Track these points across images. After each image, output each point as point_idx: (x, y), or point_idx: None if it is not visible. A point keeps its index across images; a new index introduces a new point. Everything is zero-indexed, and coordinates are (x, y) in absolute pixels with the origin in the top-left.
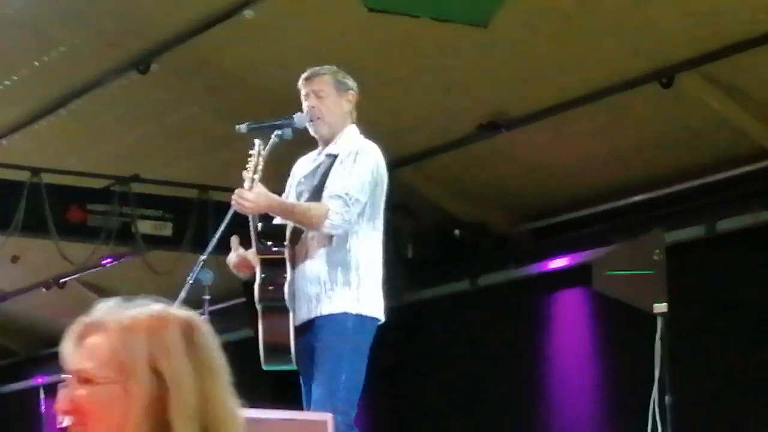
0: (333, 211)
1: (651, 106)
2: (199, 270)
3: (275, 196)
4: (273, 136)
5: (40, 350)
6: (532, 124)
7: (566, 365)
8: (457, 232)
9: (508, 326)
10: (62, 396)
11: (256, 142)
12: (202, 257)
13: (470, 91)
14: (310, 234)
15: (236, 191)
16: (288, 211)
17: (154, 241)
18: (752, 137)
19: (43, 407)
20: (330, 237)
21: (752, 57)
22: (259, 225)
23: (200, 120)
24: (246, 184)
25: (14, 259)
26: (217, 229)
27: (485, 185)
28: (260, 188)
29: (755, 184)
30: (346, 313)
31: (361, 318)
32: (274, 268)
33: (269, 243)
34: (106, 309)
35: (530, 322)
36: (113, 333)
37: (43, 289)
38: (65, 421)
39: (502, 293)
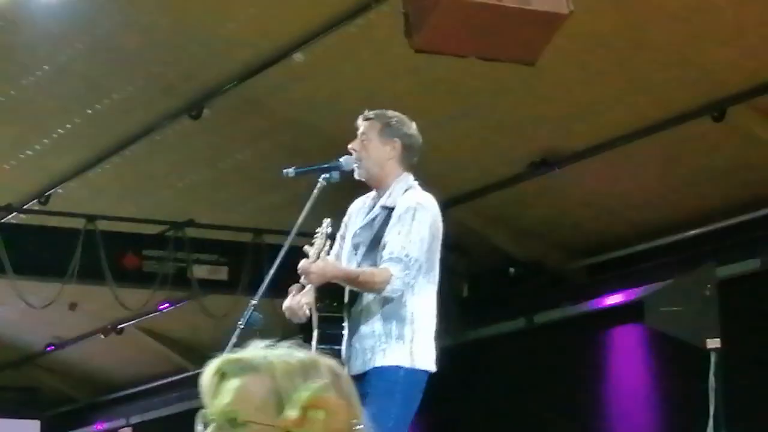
0: (395, 276)
1: (703, 140)
2: (250, 314)
3: (340, 266)
4: (320, 179)
5: (99, 396)
6: (584, 160)
7: (623, 402)
8: (512, 270)
9: (564, 363)
10: None
11: (325, 221)
12: (253, 301)
13: (521, 129)
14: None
15: (301, 264)
16: (353, 280)
17: (209, 286)
18: None
19: None
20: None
21: None
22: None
23: (252, 164)
24: (312, 257)
25: (72, 306)
26: (269, 271)
27: (539, 223)
28: (325, 260)
29: None
30: (398, 367)
31: (413, 371)
32: (333, 323)
33: (327, 301)
34: (260, 349)
35: (586, 359)
36: (265, 375)
37: (102, 336)
38: None
39: (558, 331)
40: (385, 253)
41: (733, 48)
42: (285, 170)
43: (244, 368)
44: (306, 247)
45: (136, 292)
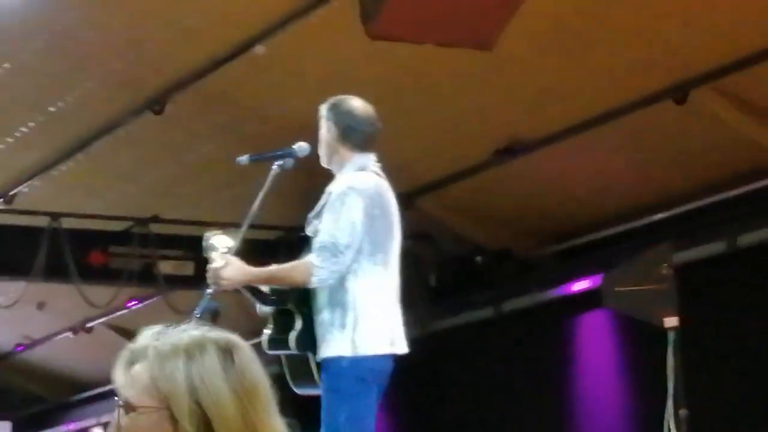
0: (318, 266)
1: (666, 124)
2: (205, 303)
3: (251, 269)
4: (274, 166)
5: (69, 396)
6: (548, 146)
7: (590, 385)
8: (479, 258)
9: (533, 350)
10: (111, 423)
11: (206, 236)
12: (208, 290)
13: (484, 117)
14: None
15: (211, 271)
16: (269, 279)
17: (175, 281)
18: None
19: None
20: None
21: (765, 69)
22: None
23: (217, 157)
24: (218, 262)
25: (40, 305)
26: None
27: (505, 210)
28: (234, 264)
29: None
30: (341, 357)
31: (356, 360)
32: (284, 316)
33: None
34: (149, 336)
35: (555, 345)
36: (152, 360)
37: (71, 335)
38: None
39: (527, 318)
40: (315, 242)
41: (695, 29)
42: (238, 159)
43: (137, 356)
44: (213, 254)
45: (103, 289)
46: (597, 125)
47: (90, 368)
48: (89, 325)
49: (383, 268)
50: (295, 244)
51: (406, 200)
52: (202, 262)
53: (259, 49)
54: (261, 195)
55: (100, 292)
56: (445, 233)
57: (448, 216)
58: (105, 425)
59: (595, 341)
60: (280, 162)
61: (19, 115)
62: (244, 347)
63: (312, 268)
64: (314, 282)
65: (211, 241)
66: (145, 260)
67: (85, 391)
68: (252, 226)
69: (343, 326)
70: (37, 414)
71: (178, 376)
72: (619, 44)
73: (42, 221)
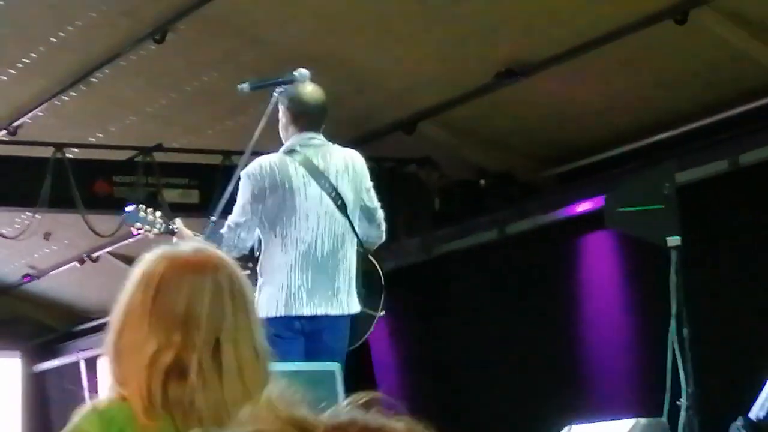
0: (221, 239)
1: (666, 43)
2: (210, 229)
3: (192, 236)
4: (275, 93)
5: (77, 325)
6: (549, 68)
7: (593, 305)
8: (482, 181)
9: (538, 272)
10: None
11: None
12: (213, 218)
13: (484, 40)
14: None
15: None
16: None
17: (181, 209)
18: None
19: (84, 381)
20: (249, 254)
21: None
22: None
23: (219, 85)
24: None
25: (46, 236)
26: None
27: (507, 133)
28: (180, 234)
29: None
30: None
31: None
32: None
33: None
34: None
35: (558, 267)
36: None
37: (77, 264)
38: None
39: (530, 240)
40: None
41: None
42: (239, 86)
43: None
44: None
45: (109, 218)
46: (598, 47)
47: (97, 297)
48: (95, 254)
49: (281, 239)
50: None
51: (408, 125)
52: (206, 190)
53: None
54: (262, 122)
55: (106, 222)
56: (447, 158)
57: (451, 140)
58: None
59: (598, 262)
60: (281, 89)
61: (20, 46)
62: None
63: (218, 241)
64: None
65: (141, 214)
66: (150, 189)
67: (92, 320)
68: (254, 153)
69: (256, 292)
70: (46, 343)
71: None
72: None
73: (46, 152)
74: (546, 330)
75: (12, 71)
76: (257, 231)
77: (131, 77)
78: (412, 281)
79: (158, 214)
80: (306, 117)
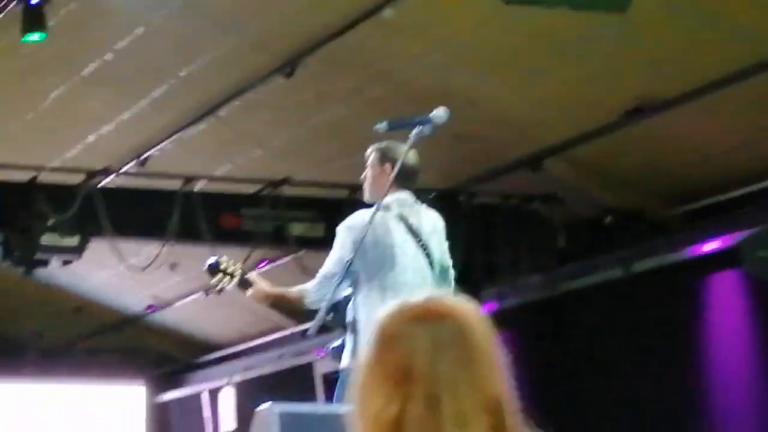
0: (308, 291)
1: None
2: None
3: (266, 291)
4: (413, 134)
5: (200, 356)
6: (677, 107)
7: (721, 349)
8: (608, 219)
9: (663, 311)
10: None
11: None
12: (347, 258)
13: (613, 78)
14: None
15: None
16: (286, 299)
17: (306, 243)
18: None
19: (206, 412)
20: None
21: None
22: None
23: (346, 120)
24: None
25: (172, 266)
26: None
27: (634, 171)
28: (256, 287)
29: None
30: (344, 370)
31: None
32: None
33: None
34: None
35: (685, 307)
36: None
37: (202, 296)
38: None
39: (656, 279)
40: None
41: None
42: (376, 126)
43: None
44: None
45: (235, 251)
46: (727, 86)
47: (221, 329)
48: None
49: (379, 291)
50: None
51: (534, 162)
52: (332, 224)
53: (389, 12)
54: (400, 161)
55: (232, 254)
56: (573, 195)
57: (577, 177)
58: (236, 385)
59: (727, 302)
60: (418, 128)
61: (151, 79)
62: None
63: (305, 292)
64: (307, 304)
65: (223, 266)
66: (276, 222)
67: (215, 351)
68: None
69: (348, 342)
70: (169, 374)
71: None
72: (753, 6)
73: (174, 184)
74: (671, 371)
75: (142, 104)
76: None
77: (260, 111)
78: (534, 318)
79: (238, 266)
80: (405, 177)
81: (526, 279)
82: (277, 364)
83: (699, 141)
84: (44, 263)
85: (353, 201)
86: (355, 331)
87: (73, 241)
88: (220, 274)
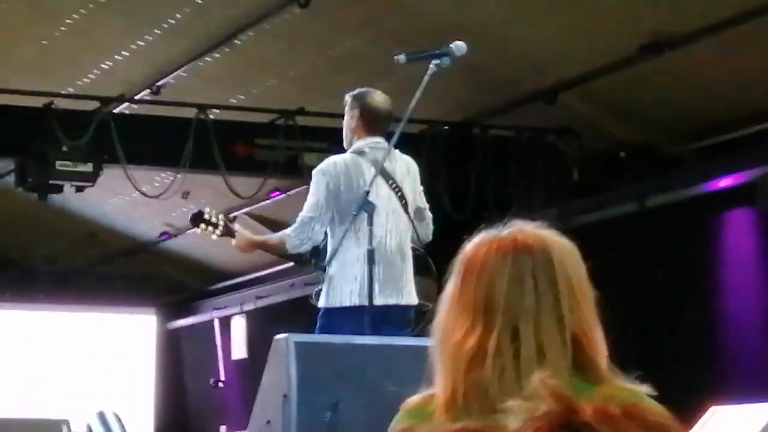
0: (288, 236)
1: None
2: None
3: (255, 238)
4: (432, 64)
5: (211, 284)
6: (693, 43)
7: (735, 283)
8: (622, 154)
9: (676, 247)
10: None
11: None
12: (366, 188)
13: (630, 12)
14: None
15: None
16: (269, 246)
17: None
18: None
19: (218, 340)
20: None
21: None
22: None
23: (362, 51)
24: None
25: (184, 195)
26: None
27: (649, 106)
28: (239, 236)
29: None
30: (320, 309)
31: (328, 311)
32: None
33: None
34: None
35: (699, 242)
36: None
37: None
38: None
39: (670, 214)
40: None
41: None
42: (396, 57)
43: None
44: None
45: (248, 180)
46: (746, 22)
47: (232, 257)
48: (233, 215)
49: (354, 233)
50: (439, 137)
51: (549, 96)
52: None
53: None
54: (419, 92)
55: (244, 183)
56: (587, 129)
57: (591, 111)
58: (246, 314)
59: (741, 238)
60: (437, 60)
61: (166, 7)
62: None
63: (285, 237)
64: (289, 248)
65: (206, 216)
66: (290, 152)
67: (227, 279)
68: (396, 119)
69: (324, 282)
70: (180, 302)
71: None
72: None
73: (188, 113)
74: (684, 306)
75: (156, 32)
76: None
77: (274, 40)
78: None
79: (221, 216)
80: (377, 123)
81: (539, 212)
82: (288, 293)
83: (715, 77)
84: (58, 189)
85: None
86: (328, 272)
87: (86, 167)
88: (203, 224)
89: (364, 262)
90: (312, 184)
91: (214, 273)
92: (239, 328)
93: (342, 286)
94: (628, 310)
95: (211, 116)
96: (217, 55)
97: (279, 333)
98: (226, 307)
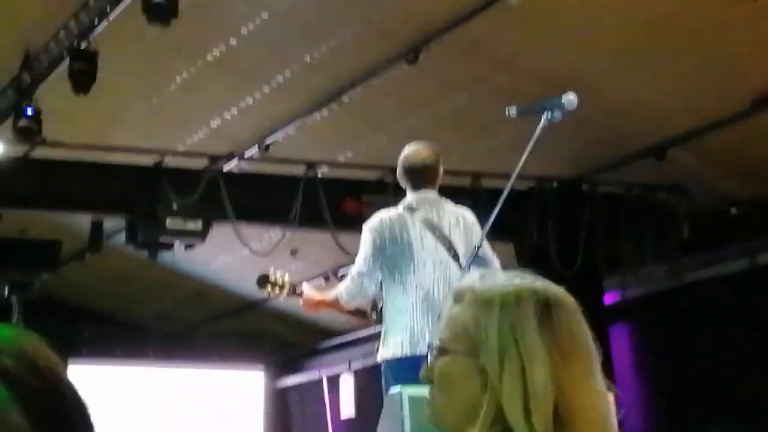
0: (341, 291)
1: None
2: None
3: (318, 297)
4: (542, 118)
5: (319, 342)
6: None
7: None
8: (733, 210)
9: None
10: (426, 363)
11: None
12: (477, 245)
13: (741, 67)
14: None
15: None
16: (330, 304)
17: None
18: None
19: (326, 399)
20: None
21: None
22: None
23: (469, 107)
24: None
25: (293, 252)
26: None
27: (761, 161)
28: (305, 295)
29: None
30: (379, 363)
31: (385, 362)
32: None
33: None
34: (475, 277)
35: None
36: (467, 305)
37: (322, 282)
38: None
39: None
40: None
41: None
42: (507, 109)
43: (459, 296)
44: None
45: (357, 237)
46: None
47: (340, 315)
48: (341, 272)
49: (401, 284)
50: (548, 194)
51: (658, 152)
52: None
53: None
54: (530, 146)
55: (353, 240)
56: (698, 185)
57: (702, 167)
58: (354, 372)
59: None
60: (548, 114)
61: (275, 65)
62: (566, 304)
63: (339, 293)
64: (342, 304)
65: (272, 278)
66: None
67: (334, 337)
68: (505, 176)
69: (381, 335)
70: (288, 360)
71: (490, 326)
72: None
73: (297, 170)
74: None
75: (265, 89)
76: (378, 279)
77: (383, 97)
78: (657, 308)
79: (287, 278)
80: (415, 176)
81: (649, 269)
82: None
83: None
84: (168, 246)
85: (475, 189)
86: (385, 324)
87: (196, 225)
88: (269, 286)
89: (413, 313)
90: (361, 240)
91: (322, 330)
92: (348, 386)
93: (393, 338)
94: (738, 367)
95: (320, 173)
96: (326, 112)
97: (387, 391)
98: (334, 365)
